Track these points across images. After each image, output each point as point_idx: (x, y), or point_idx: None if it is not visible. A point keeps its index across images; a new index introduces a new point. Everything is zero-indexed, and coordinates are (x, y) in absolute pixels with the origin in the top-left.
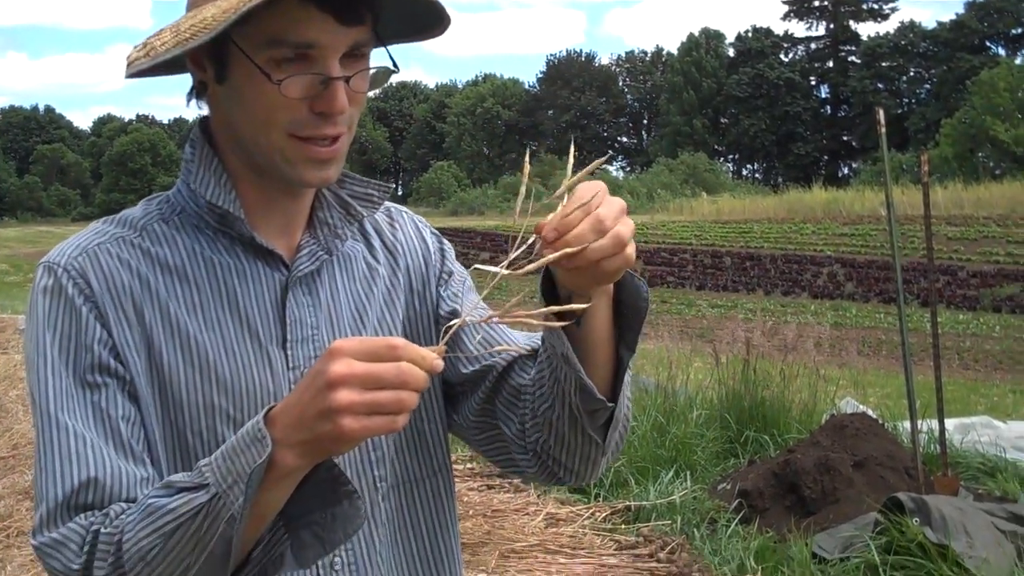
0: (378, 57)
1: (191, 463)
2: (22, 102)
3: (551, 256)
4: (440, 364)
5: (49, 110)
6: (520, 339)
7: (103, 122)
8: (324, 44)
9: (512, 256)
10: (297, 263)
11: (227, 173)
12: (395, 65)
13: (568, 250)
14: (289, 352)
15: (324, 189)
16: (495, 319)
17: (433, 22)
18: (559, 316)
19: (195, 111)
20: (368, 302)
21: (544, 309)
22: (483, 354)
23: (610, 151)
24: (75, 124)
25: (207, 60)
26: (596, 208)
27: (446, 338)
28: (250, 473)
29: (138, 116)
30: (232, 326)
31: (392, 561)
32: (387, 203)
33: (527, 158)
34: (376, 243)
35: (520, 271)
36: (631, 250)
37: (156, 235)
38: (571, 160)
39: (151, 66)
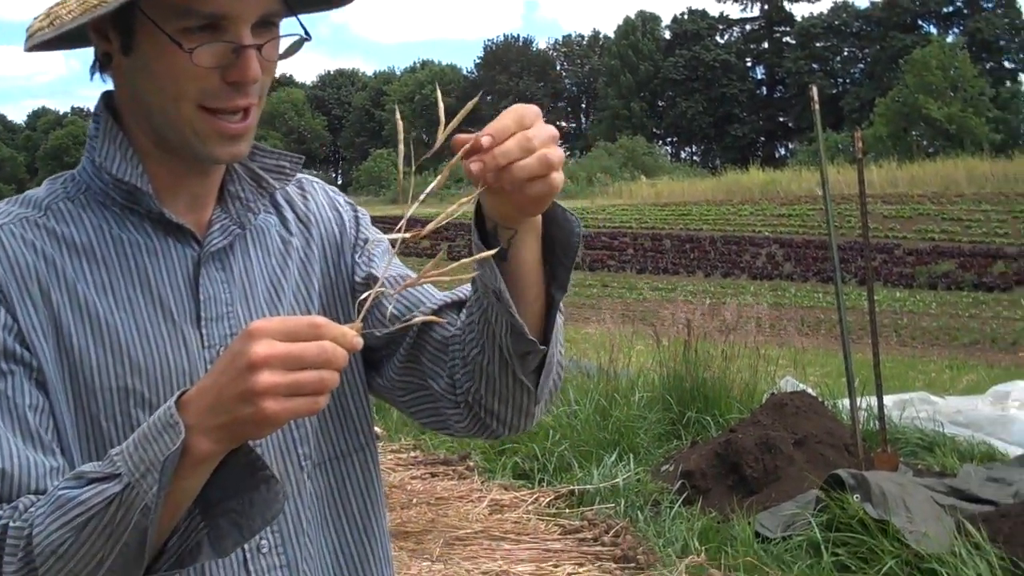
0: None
1: (105, 449)
2: None
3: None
4: (360, 342)
5: None
6: (439, 293)
7: (37, 115)
8: (235, 13)
9: (405, 218)
10: (209, 238)
11: (133, 148)
12: (307, 33)
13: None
14: (204, 330)
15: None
16: (410, 285)
17: None
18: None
19: (100, 85)
20: (283, 275)
21: (455, 264)
22: (401, 312)
23: (486, 95)
24: (9, 118)
25: (112, 30)
26: (528, 128)
27: (363, 313)
28: (163, 461)
29: (73, 109)
30: (144, 305)
31: (322, 539)
32: (298, 174)
33: (397, 115)
34: (289, 215)
35: (427, 229)
36: (558, 177)
37: (61, 214)
38: (441, 106)
39: (55, 36)
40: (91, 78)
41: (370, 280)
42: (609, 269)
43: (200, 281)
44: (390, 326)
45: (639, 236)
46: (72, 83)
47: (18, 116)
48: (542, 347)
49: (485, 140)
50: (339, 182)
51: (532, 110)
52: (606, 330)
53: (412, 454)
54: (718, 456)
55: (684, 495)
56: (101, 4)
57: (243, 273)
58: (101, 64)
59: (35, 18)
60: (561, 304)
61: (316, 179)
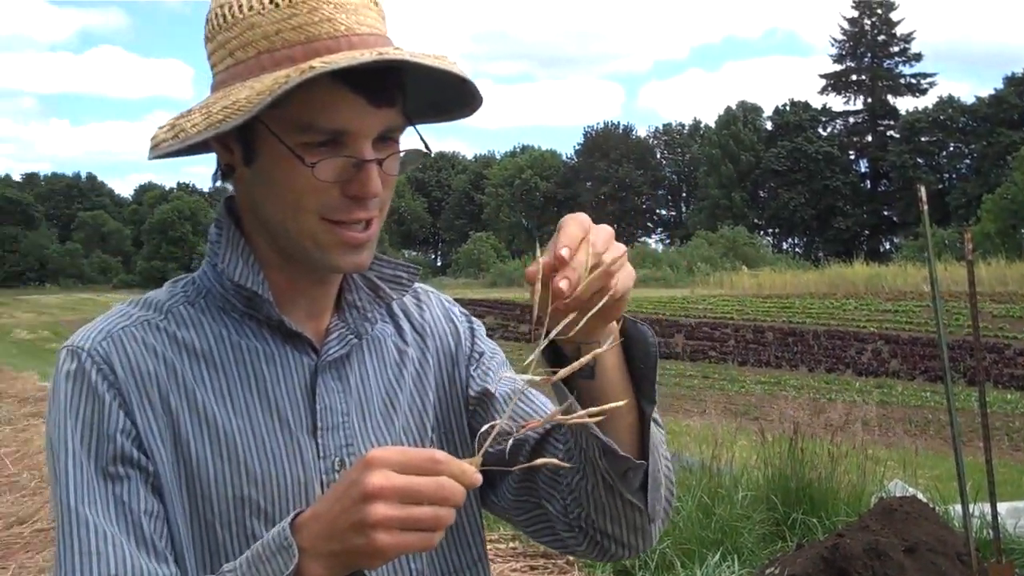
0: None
1: (220, 556)
2: (64, 169)
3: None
4: (479, 479)
5: (91, 177)
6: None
7: (144, 189)
8: (357, 129)
9: (533, 356)
10: (327, 347)
11: (254, 255)
12: (427, 147)
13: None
14: (319, 440)
15: None
16: (532, 427)
17: (464, 102)
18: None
19: (207, 166)
20: (398, 387)
21: (586, 411)
22: (514, 429)
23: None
24: (116, 191)
25: (234, 142)
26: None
27: (483, 448)
28: None
29: (179, 184)
30: (261, 413)
31: None
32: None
33: (538, 253)
34: (405, 325)
35: (556, 376)
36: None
37: (182, 318)
38: (536, 297)
39: (180, 148)
40: (213, 185)
41: (484, 396)
42: (710, 360)
43: (317, 390)
44: (502, 439)
45: (740, 327)
46: (179, 159)
47: (125, 190)
48: (639, 462)
49: (564, 252)
50: (438, 263)
51: (604, 229)
52: (709, 423)
53: (511, 545)
54: (825, 561)
55: None
56: (226, 120)
57: (359, 383)
58: (223, 173)
59: (159, 128)
60: (658, 418)
61: (432, 289)
